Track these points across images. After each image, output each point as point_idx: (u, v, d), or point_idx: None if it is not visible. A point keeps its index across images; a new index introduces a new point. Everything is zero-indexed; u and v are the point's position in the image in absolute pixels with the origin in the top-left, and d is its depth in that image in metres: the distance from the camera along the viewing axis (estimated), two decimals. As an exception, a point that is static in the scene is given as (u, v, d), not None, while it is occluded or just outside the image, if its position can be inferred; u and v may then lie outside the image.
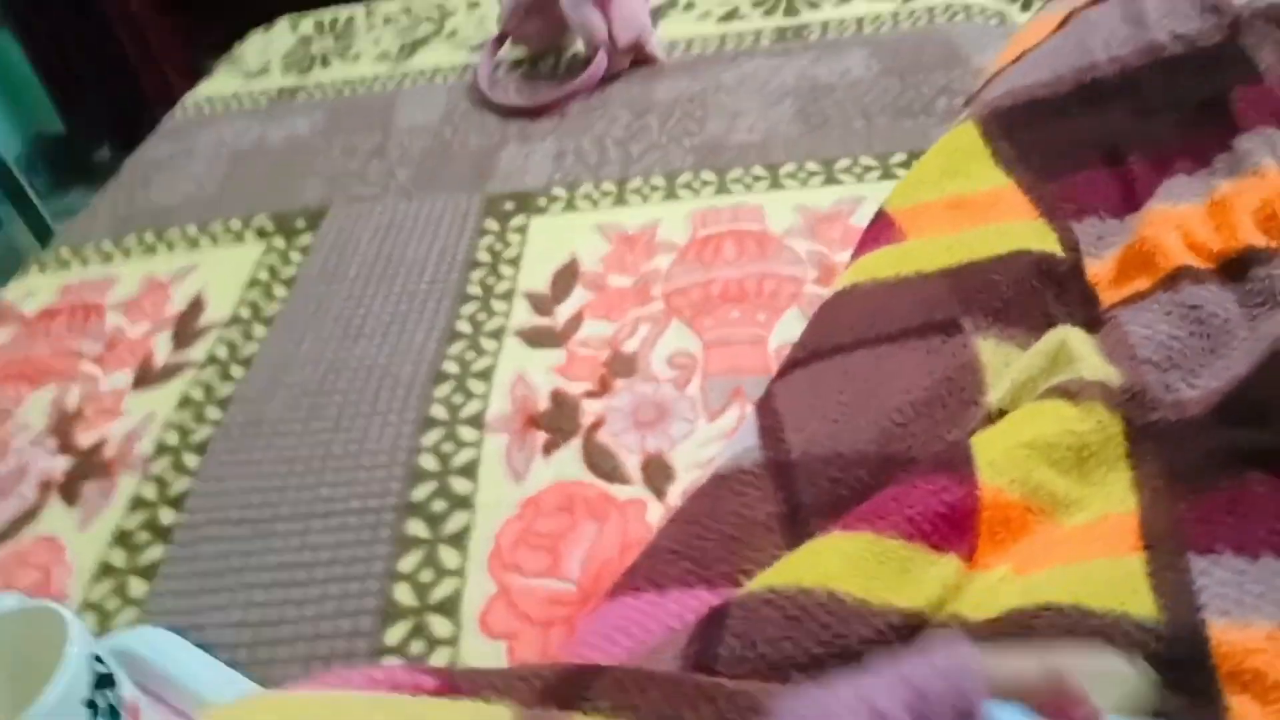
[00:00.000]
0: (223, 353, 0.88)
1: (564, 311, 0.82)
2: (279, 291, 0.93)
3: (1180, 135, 0.71)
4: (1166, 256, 0.61)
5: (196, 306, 0.93)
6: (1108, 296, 0.63)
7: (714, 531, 0.56)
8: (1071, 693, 0.25)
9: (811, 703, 0.27)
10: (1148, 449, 0.52)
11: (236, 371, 0.85)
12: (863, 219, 0.80)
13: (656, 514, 0.64)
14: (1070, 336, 0.58)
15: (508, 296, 0.85)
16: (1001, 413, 0.56)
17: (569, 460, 0.70)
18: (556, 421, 0.72)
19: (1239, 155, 0.66)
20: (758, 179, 0.93)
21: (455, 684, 0.37)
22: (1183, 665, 0.41)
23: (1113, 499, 0.51)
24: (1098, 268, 0.65)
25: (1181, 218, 0.63)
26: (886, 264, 0.70)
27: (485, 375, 0.78)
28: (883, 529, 0.49)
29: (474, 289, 0.87)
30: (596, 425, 0.71)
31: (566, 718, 0.31)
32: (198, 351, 0.88)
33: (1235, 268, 0.60)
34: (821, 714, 0.25)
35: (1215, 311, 0.57)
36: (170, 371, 0.86)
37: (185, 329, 0.91)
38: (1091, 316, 0.62)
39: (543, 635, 0.59)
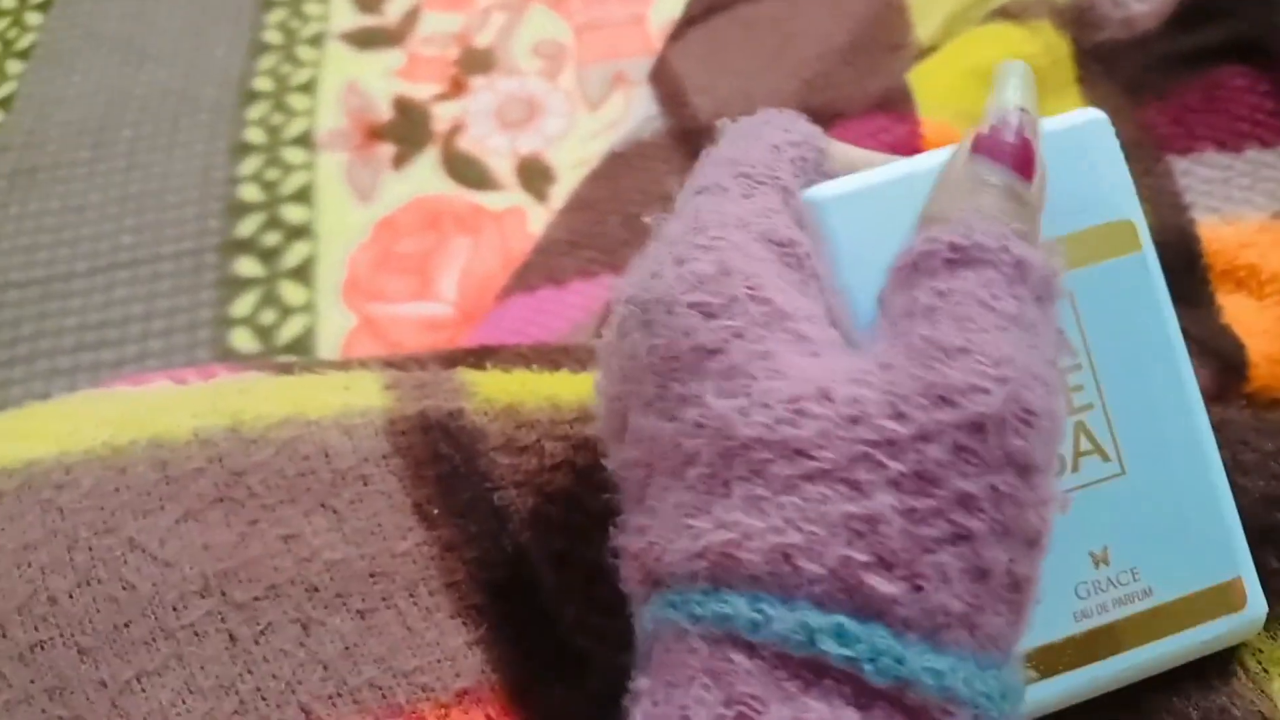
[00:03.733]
0: (-31, 97, 0.74)
1: (396, 7, 0.72)
2: (32, 19, 0.79)
3: None
4: None
5: (-76, 45, 0.78)
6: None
7: (616, 213, 0.50)
8: (1016, 121, 0.20)
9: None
10: (1098, 71, 0.49)
11: (-8, 116, 0.72)
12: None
13: (540, 220, 0.58)
14: (1007, -44, 0.53)
15: (324, -4, 0.74)
16: (934, 49, 0.52)
17: (426, 172, 0.62)
18: (404, 131, 0.64)
19: None
20: None
21: (307, 368, 0.31)
22: (1173, 270, 0.38)
23: (1066, 126, 0.47)
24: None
25: None
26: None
27: (308, 88, 0.68)
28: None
29: (281, -9, 0.75)
30: (455, 130, 0.64)
31: (447, 375, 0.26)
32: (-65, 97, 0.74)
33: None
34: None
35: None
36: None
37: (-87, 73, 0.76)
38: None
39: (421, 361, 0.53)
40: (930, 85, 0.48)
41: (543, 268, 0.50)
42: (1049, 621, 0.22)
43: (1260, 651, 0.25)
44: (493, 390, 0.26)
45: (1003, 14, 0.50)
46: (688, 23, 0.58)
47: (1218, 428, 0.25)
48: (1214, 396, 0.35)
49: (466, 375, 0.26)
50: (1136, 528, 0.23)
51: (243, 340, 0.57)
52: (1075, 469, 0.22)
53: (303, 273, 0.59)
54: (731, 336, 0.18)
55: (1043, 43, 0.49)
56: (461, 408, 0.25)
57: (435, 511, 0.23)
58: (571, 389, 0.26)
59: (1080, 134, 0.23)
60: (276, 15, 0.73)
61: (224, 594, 0.21)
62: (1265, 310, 0.37)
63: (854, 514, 0.17)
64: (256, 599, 0.21)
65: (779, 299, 0.19)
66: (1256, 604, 0.23)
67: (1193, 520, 0.23)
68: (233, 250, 0.61)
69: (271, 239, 0.61)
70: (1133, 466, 0.23)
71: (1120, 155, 0.23)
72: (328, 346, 0.56)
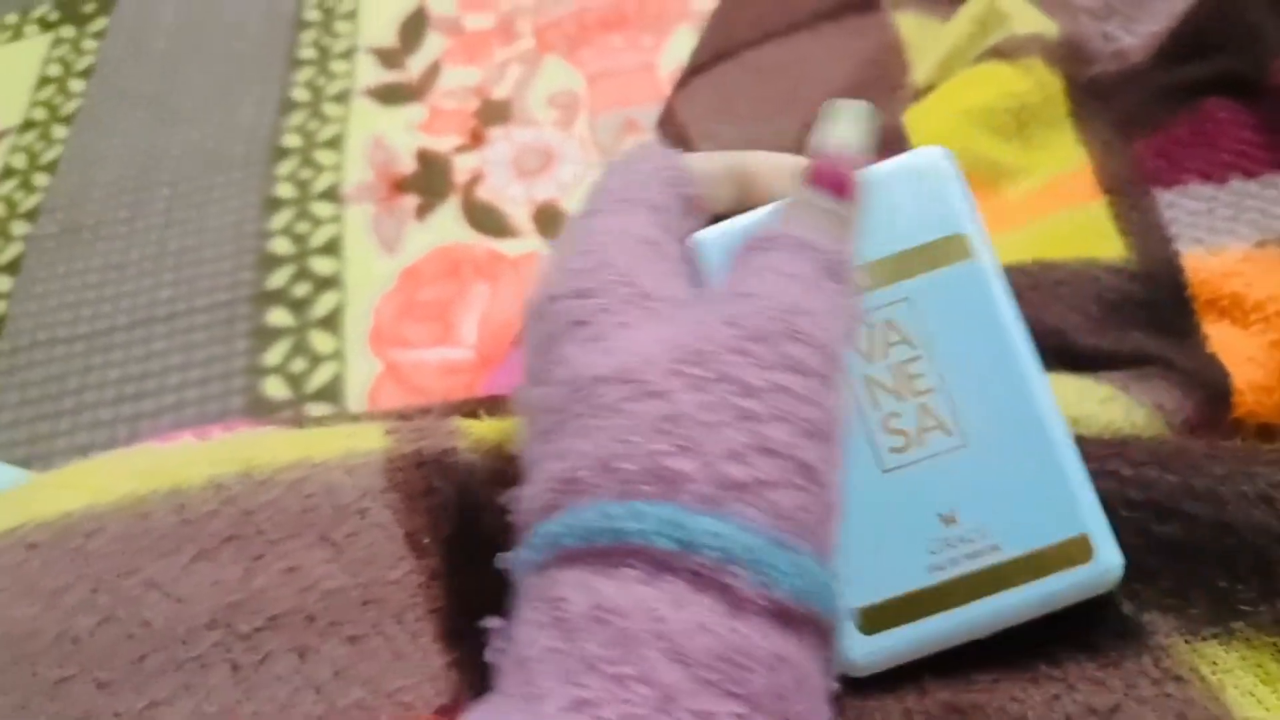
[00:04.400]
0: (20, 162, 0.78)
1: (418, 63, 0.75)
2: (75, 86, 0.83)
3: None
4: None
5: (-24, 114, 0.83)
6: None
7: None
8: (834, 153, 0.25)
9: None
10: (1091, 105, 0.50)
11: (40, 180, 0.76)
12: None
13: (555, 265, 0.60)
14: (999, -7, 0.55)
15: (348, 55, 0.77)
16: (930, 89, 0.53)
17: (447, 222, 0.65)
18: (426, 183, 0.67)
19: None
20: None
21: (317, 423, 0.33)
22: (1160, 301, 0.39)
23: (1060, 160, 0.48)
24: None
25: None
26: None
27: (334, 144, 0.71)
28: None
29: (307, 52, 0.79)
30: (474, 181, 0.66)
31: (444, 421, 0.28)
32: (-13, 163, 0.78)
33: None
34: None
35: (1150, -46, 0.54)
36: (-44, 188, 0.77)
37: (-35, 139, 0.81)
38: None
39: (443, 404, 0.55)
40: (924, 126, 0.50)
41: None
42: (902, 573, 0.25)
43: (1215, 664, 0.26)
44: (485, 432, 0.28)
45: (995, 53, 0.51)
46: (694, 71, 0.60)
47: (1174, 454, 0.26)
48: (1201, 424, 0.37)
49: (462, 421, 0.28)
50: (981, 492, 0.26)
51: (275, 388, 0.60)
52: (921, 443, 0.26)
53: (331, 322, 0.62)
54: (598, 311, 0.22)
55: (1035, 80, 0.50)
56: (455, 446, 0.27)
57: (426, 541, 0.25)
58: None
59: (923, 166, 0.27)
60: (304, 74, 0.77)
61: (229, 626, 0.23)
62: (1251, 338, 0.38)
63: (663, 415, 0.20)
64: (258, 629, 0.23)
65: (644, 282, 0.23)
66: (1107, 557, 0.25)
67: (1036, 483, 0.26)
68: (265, 301, 0.64)
69: (301, 290, 0.64)
70: (974, 439, 0.26)
71: (958, 181, 0.27)
72: (355, 392, 0.58)
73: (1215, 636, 0.26)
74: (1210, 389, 0.37)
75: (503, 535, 0.22)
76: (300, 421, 0.31)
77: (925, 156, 0.27)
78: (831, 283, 0.23)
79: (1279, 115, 0.42)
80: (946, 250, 0.26)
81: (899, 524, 0.25)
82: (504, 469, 0.27)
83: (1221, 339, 0.39)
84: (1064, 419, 0.26)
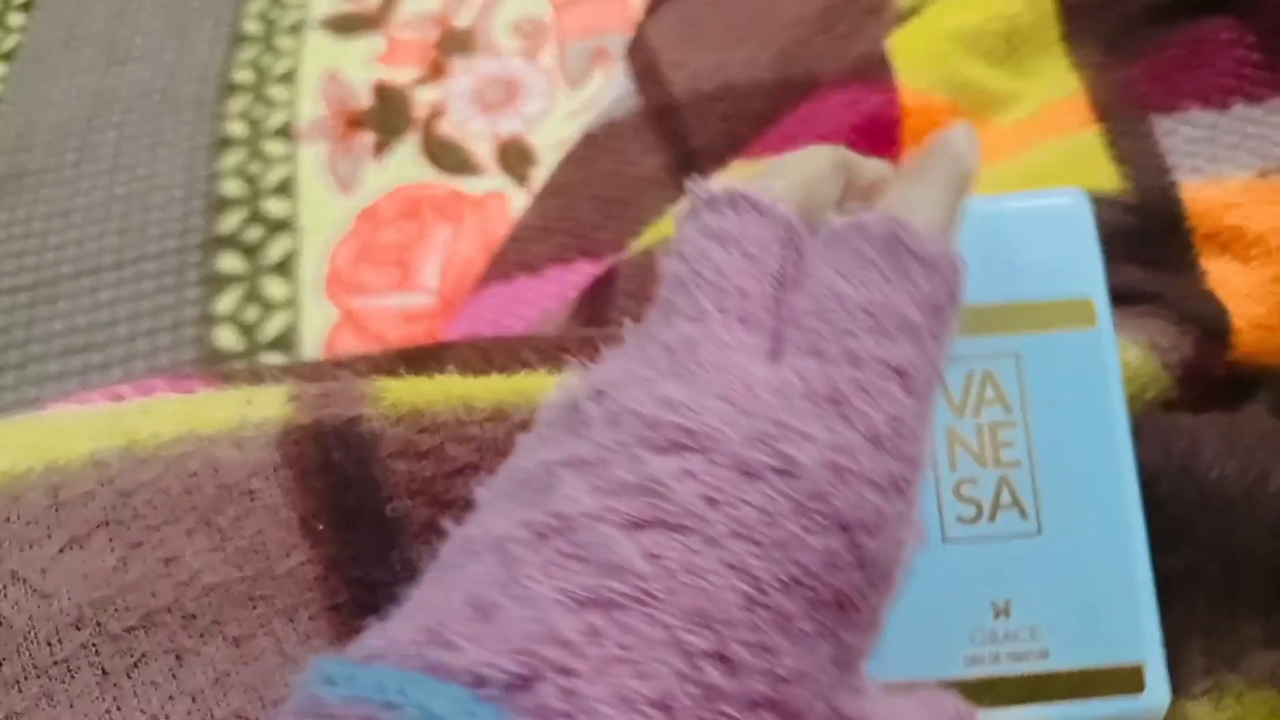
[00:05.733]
0: (-44, 103, 0.74)
1: (376, -10, 0.71)
2: (15, 20, 0.79)
3: None
4: None
5: (-89, 51, 0.79)
6: None
7: (589, 197, 0.49)
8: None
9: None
10: (1084, 26, 0.47)
11: (-22, 121, 0.73)
12: None
13: (522, 204, 0.57)
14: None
15: (304, -16, 0.73)
16: (914, 12, 0.50)
17: (406, 160, 0.62)
18: (384, 118, 0.64)
19: None
20: None
21: (231, 378, 0.30)
22: (1155, 234, 0.37)
23: (1052, 86, 0.46)
24: None
25: None
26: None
27: (288, 78, 0.68)
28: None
29: (261, -18, 0.75)
30: (435, 115, 0.63)
31: (355, 382, 0.25)
32: (-79, 103, 0.74)
33: None
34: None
35: None
36: (-110, 129, 0.73)
37: (-99, 78, 0.77)
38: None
39: (402, 353, 0.53)
40: (909, 51, 0.47)
41: (517, 256, 0.49)
42: (937, 659, 0.23)
43: None
44: (401, 394, 0.25)
45: (983, -29, 0.48)
46: (663, -4, 0.57)
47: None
48: (1198, 364, 0.34)
49: (378, 382, 0.25)
50: (1043, 589, 0.23)
51: (227, 338, 0.57)
52: (992, 518, 0.23)
53: (285, 268, 0.59)
54: (865, 607, 0.18)
55: (1025, 1, 0.47)
56: (361, 414, 0.24)
57: (320, 527, 0.22)
58: (491, 390, 0.25)
59: (1060, 210, 0.25)
60: (256, 4, 0.73)
61: (99, 625, 0.21)
62: (1250, 273, 0.36)
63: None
64: (130, 629, 0.21)
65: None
66: (1157, 692, 0.23)
67: (1104, 595, 0.23)
68: (215, 247, 0.61)
69: (254, 234, 0.61)
70: (1050, 529, 0.23)
71: (1093, 236, 0.25)
72: (310, 342, 0.55)
73: (1207, 694, 0.24)
74: (1207, 326, 0.35)
75: (411, 517, 0.19)
76: (221, 378, 0.28)
77: (1063, 200, 0.25)
78: None
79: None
80: (1070, 313, 0.24)
81: (948, 601, 0.23)
82: (415, 439, 0.24)
83: (1220, 274, 0.37)
84: (1145, 534, 0.24)
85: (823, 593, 0.17)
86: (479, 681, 0.15)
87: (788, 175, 0.22)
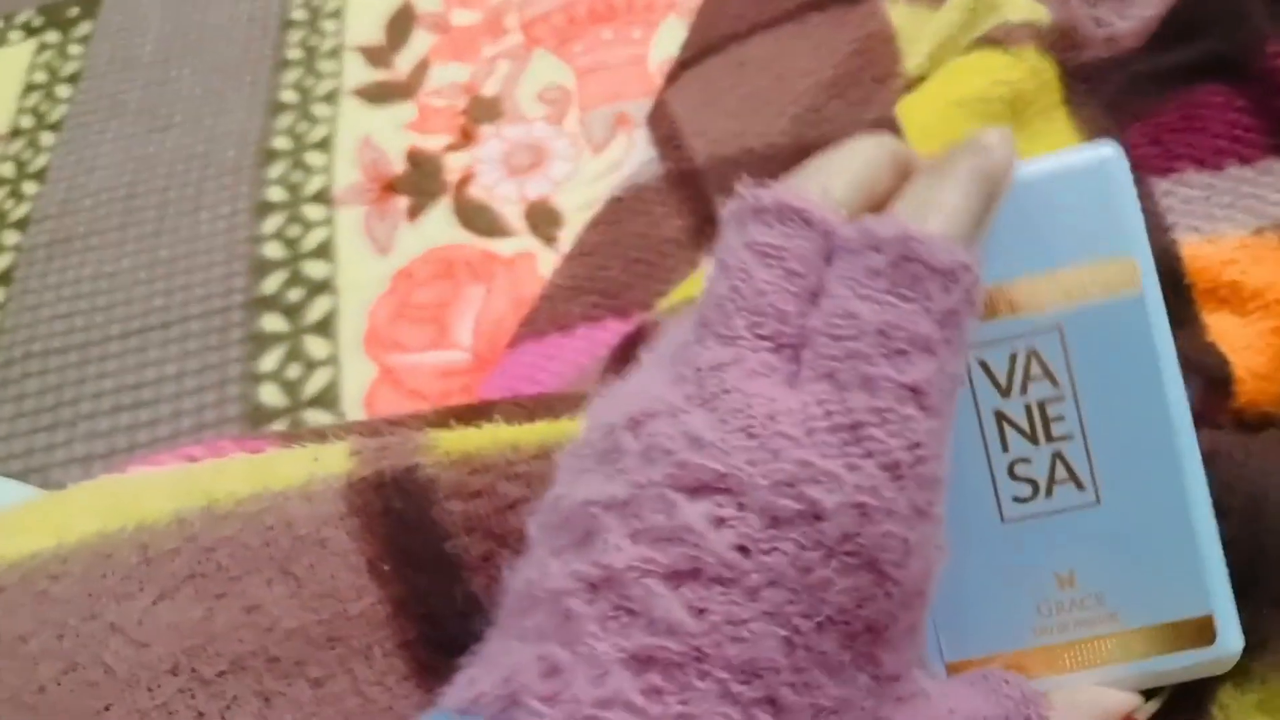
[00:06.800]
0: (8, 171, 0.78)
1: (405, 60, 0.75)
2: (62, 92, 0.83)
3: None
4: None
5: (-37, 123, 0.82)
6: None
7: (617, 258, 0.52)
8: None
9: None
10: (1085, 92, 0.50)
11: (29, 188, 0.76)
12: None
13: (549, 264, 0.60)
14: (989, -20, 0.54)
15: (335, 54, 0.77)
16: (922, 79, 0.53)
17: (439, 222, 0.65)
18: (417, 183, 0.67)
19: None
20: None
21: (295, 438, 0.32)
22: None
23: (1054, 148, 0.48)
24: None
25: None
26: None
27: (324, 145, 0.71)
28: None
29: (294, 53, 0.78)
30: (465, 180, 0.66)
31: (411, 435, 0.27)
32: (-24, 174, 0.78)
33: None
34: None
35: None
36: (-54, 200, 0.76)
37: (-46, 150, 0.80)
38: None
39: (439, 409, 0.55)
40: (917, 117, 0.49)
41: (549, 314, 0.52)
42: (1007, 632, 0.23)
43: (1226, 705, 0.25)
44: (452, 443, 0.27)
45: (988, 41, 0.51)
46: (682, 65, 0.60)
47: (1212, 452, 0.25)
48: (1201, 414, 0.36)
49: (431, 433, 0.28)
50: (1106, 556, 0.23)
51: (270, 395, 0.59)
52: (1049, 494, 0.23)
53: (325, 326, 0.62)
54: (896, 626, 0.19)
55: (1028, 67, 0.50)
56: (417, 463, 0.26)
57: (387, 568, 0.24)
58: (535, 433, 0.27)
59: (1093, 167, 0.24)
60: (292, 75, 0.76)
61: (193, 670, 0.23)
62: (1249, 326, 0.38)
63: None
64: (221, 674, 0.23)
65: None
66: (1228, 640, 0.23)
67: (1166, 554, 0.23)
68: (258, 307, 0.63)
69: (295, 295, 0.64)
70: (1108, 498, 0.23)
71: (1133, 193, 0.24)
72: (351, 398, 0.58)
73: (1232, 677, 0.25)
74: (1211, 377, 0.37)
75: (470, 553, 0.21)
76: (288, 438, 0.31)
77: (1096, 156, 0.24)
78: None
79: (1271, 99, 0.42)
80: (1112, 276, 0.24)
81: (1011, 579, 0.23)
82: (467, 480, 0.26)
83: (1220, 327, 0.39)
84: (1207, 491, 0.24)
85: (855, 625, 0.18)
86: None
87: (845, 175, 0.22)
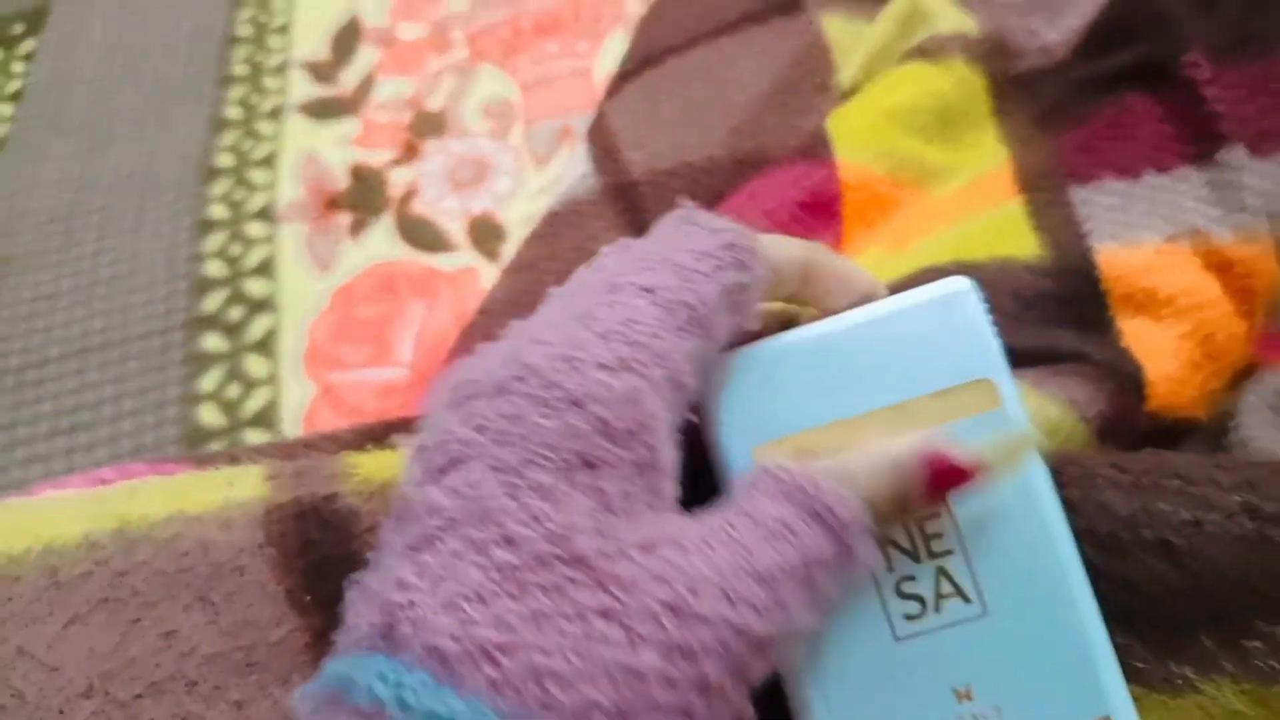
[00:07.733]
0: (-56, 192, 0.78)
1: (351, 76, 0.75)
2: (4, 110, 0.83)
3: None
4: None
5: (-100, 142, 0.82)
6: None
7: (553, 273, 0.52)
8: (948, 454, 0.23)
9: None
10: (1013, 102, 0.51)
11: (-34, 210, 0.76)
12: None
13: (491, 279, 0.60)
14: (922, -8, 0.55)
15: (281, 70, 0.77)
16: (855, 91, 0.54)
17: (382, 239, 0.65)
18: (360, 198, 0.67)
19: None
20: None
21: (209, 460, 0.33)
22: (1074, 297, 0.40)
23: (984, 159, 0.49)
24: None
25: None
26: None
27: (268, 162, 0.71)
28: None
29: (240, 68, 0.78)
30: (409, 195, 0.66)
31: (329, 460, 0.28)
32: (-89, 192, 0.77)
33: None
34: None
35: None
36: (-120, 220, 0.76)
37: (-110, 169, 0.80)
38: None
39: (379, 426, 0.55)
40: (848, 128, 0.50)
41: (485, 330, 0.52)
42: None
43: None
44: (373, 469, 0.28)
45: (919, 53, 0.52)
46: (622, 78, 0.60)
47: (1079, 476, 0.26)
48: (1116, 418, 0.37)
49: (349, 457, 0.28)
50: (1000, 667, 0.24)
51: (209, 416, 0.59)
52: (938, 609, 0.24)
53: (265, 345, 0.62)
54: (617, 461, 0.22)
55: (957, 79, 0.51)
56: (336, 492, 0.27)
57: (307, 599, 0.25)
58: None
59: (948, 299, 0.26)
60: (237, 91, 0.77)
61: (108, 693, 0.23)
62: (1163, 331, 0.39)
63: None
64: (138, 696, 0.23)
65: (661, 451, 0.23)
66: None
67: (1060, 660, 0.24)
68: (198, 327, 0.63)
69: (236, 313, 0.64)
70: (996, 608, 0.24)
71: (984, 319, 0.26)
72: (290, 418, 0.58)
73: None
74: (1124, 382, 0.38)
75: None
76: (202, 460, 0.31)
77: (950, 289, 0.26)
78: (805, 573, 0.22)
79: (1190, 107, 0.43)
80: (972, 397, 0.25)
81: (910, 697, 0.24)
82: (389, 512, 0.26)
83: (1135, 333, 0.40)
84: (1090, 588, 0.25)
85: (570, 459, 0.21)
86: (360, 641, 0.20)
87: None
